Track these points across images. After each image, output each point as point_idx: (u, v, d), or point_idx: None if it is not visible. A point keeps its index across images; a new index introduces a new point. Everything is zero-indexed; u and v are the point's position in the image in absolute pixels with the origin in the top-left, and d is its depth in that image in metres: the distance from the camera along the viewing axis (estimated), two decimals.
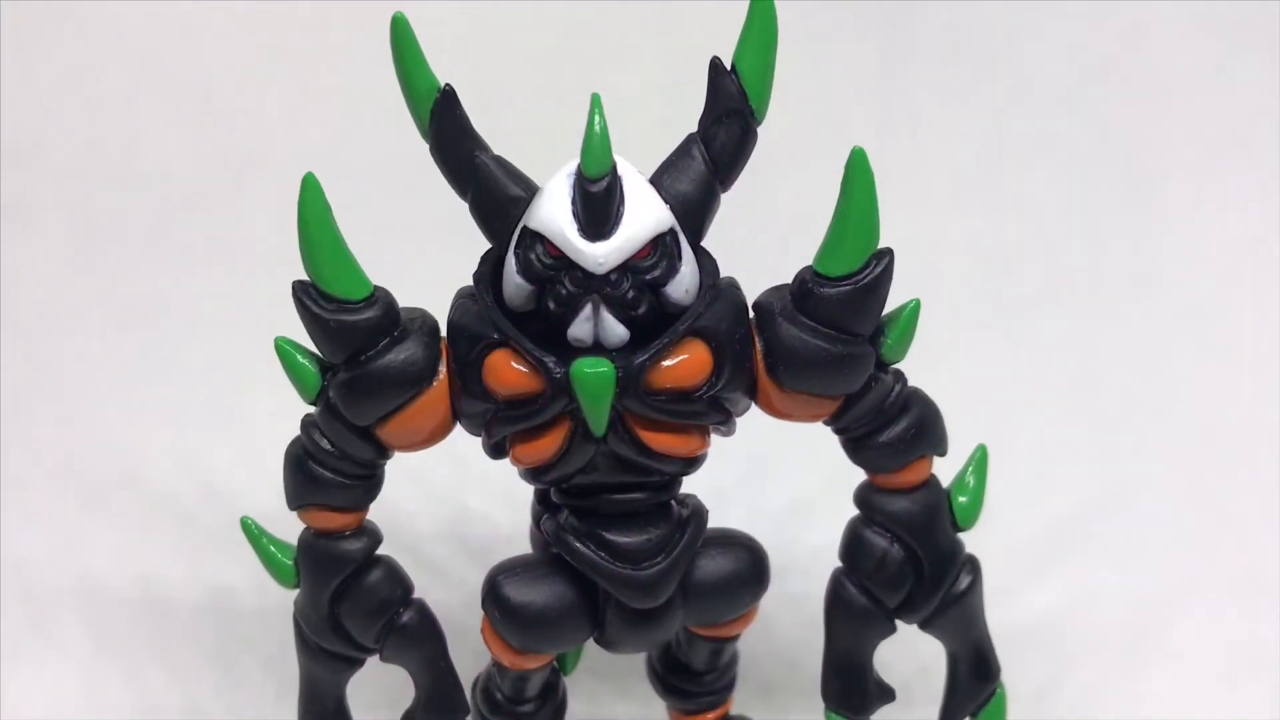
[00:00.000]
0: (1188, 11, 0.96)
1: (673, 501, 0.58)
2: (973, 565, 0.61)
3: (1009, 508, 0.85)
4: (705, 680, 0.65)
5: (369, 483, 0.58)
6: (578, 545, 0.56)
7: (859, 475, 0.61)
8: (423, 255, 0.75)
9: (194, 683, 0.79)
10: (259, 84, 0.92)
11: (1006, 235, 0.96)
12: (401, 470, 0.84)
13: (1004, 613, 0.70)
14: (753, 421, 0.82)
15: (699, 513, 0.58)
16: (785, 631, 0.83)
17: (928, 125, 0.96)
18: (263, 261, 0.88)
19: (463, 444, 0.88)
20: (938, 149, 0.96)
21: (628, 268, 0.52)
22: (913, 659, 0.73)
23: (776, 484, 0.89)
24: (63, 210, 0.92)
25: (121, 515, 0.87)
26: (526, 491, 0.70)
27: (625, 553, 0.56)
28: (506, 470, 0.83)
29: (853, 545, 0.60)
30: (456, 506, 0.89)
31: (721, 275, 0.56)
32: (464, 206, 0.56)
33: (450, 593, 0.78)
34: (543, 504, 0.61)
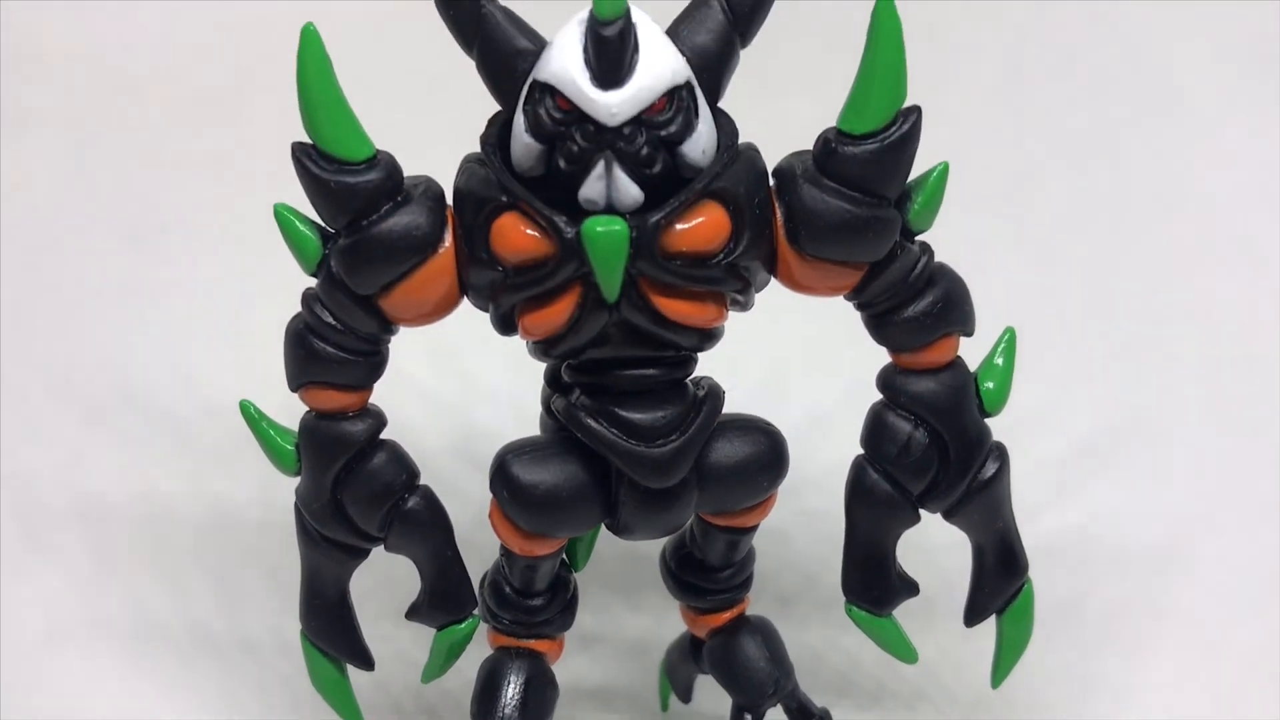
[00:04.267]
0: None
1: (688, 381, 0.56)
2: (1000, 452, 0.59)
3: (1033, 426, 0.83)
4: (720, 577, 0.62)
5: (372, 360, 0.56)
6: (590, 422, 0.54)
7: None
8: (429, 129, 0.72)
9: (195, 599, 0.78)
10: None
11: (1030, 153, 0.94)
12: (410, 386, 0.83)
13: (1029, 530, 0.68)
14: (770, 334, 0.81)
15: (715, 392, 0.56)
16: (802, 546, 0.81)
17: (949, 41, 0.94)
18: (266, 175, 0.85)
19: (471, 359, 0.88)
20: (959, 66, 0.94)
21: (642, 122, 0.50)
22: (936, 571, 0.70)
23: (793, 399, 0.86)
24: (64, 121, 0.90)
25: (122, 432, 0.85)
26: (536, 406, 0.68)
27: (639, 429, 0.54)
28: (515, 385, 0.82)
29: (875, 429, 0.57)
30: (465, 422, 0.87)
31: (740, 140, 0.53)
32: (472, 74, 0.54)
33: (460, 509, 0.76)
34: (553, 385, 0.58)
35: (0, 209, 0.90)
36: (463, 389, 0.87)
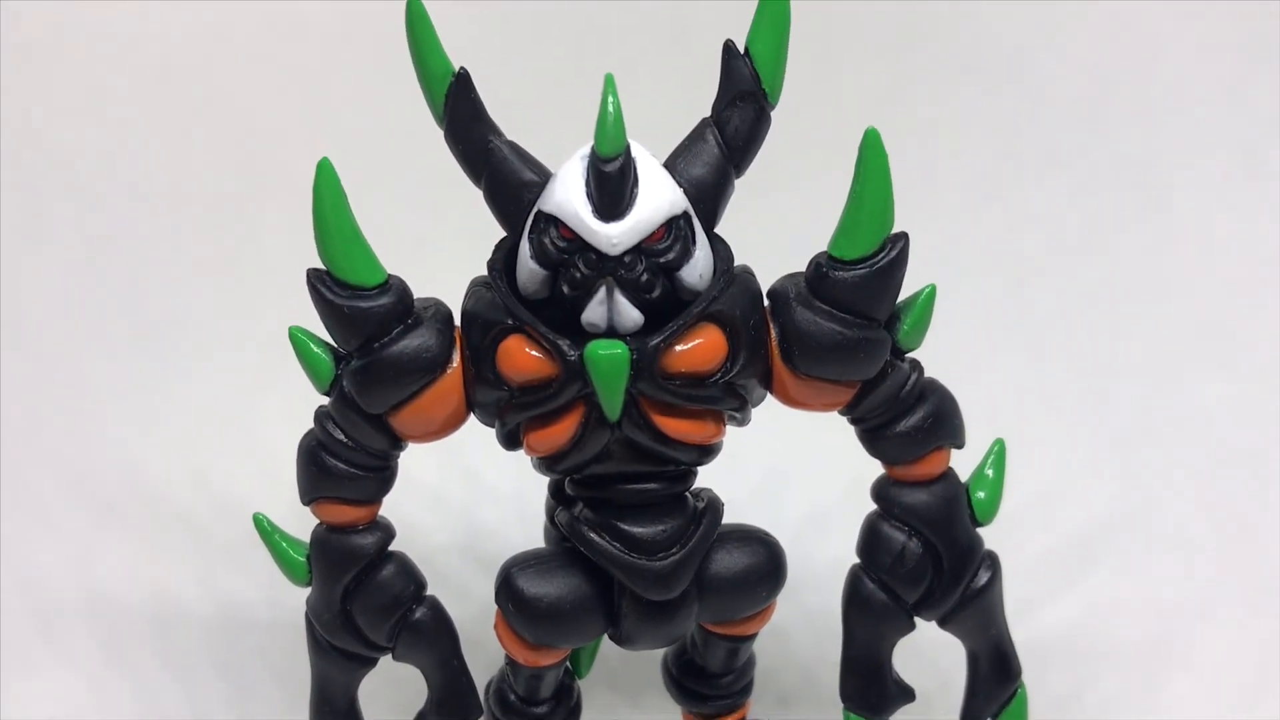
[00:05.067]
0: (1200, 28, 0.96)
1: (688, 493, 0.57)
2: (992, 561, 0.60)
3: (1029, 521, 0.85)
4: (721, 683, 0.64)
5: (382, 475, 0.58)
6: (593, 536, 0.56)
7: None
8: (438, 252, 0.75)
9: (204, 695, 0.79)
10: (272, 99, 0.93)
11: (1021, 250, 0.96)
12: (415, 485, 0.84)
13: (1025, 625, 0.69)
14: (768, 434, 0.82)
15: (714, 505, 0.58)
16: (802, 644, 0.82)
17: (941, 141, 0.96)
18: (275, 276, 0.88)
19: (475, 458, 0.89)
20: (951, 164, 0.97)
21: (642, 250, 0.52)
22: (933, 671, 0.72)
23: (792, 498, 0.88)
24: (76, 224, 0.92)
25: (133, 528, 0.87)
26: (539, 505, 0.70)
27: (641, 543, 0.55)
28: (519, 485, 0.83)
29: (870, 540, 0.59)
30: (469, 521, 0.88)
31: (736, 263, 0.55)
32: (479, 198, 0.56)
33: (464, 607, 0.78)
34: (557, 497, 0.60)
35: (17, 309, 0.92)
36: (467, 488, 0.89)
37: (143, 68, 0.93)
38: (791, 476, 0.89)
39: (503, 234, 0.56)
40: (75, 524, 0.87)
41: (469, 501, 0.89)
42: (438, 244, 0.79)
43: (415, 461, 0.85)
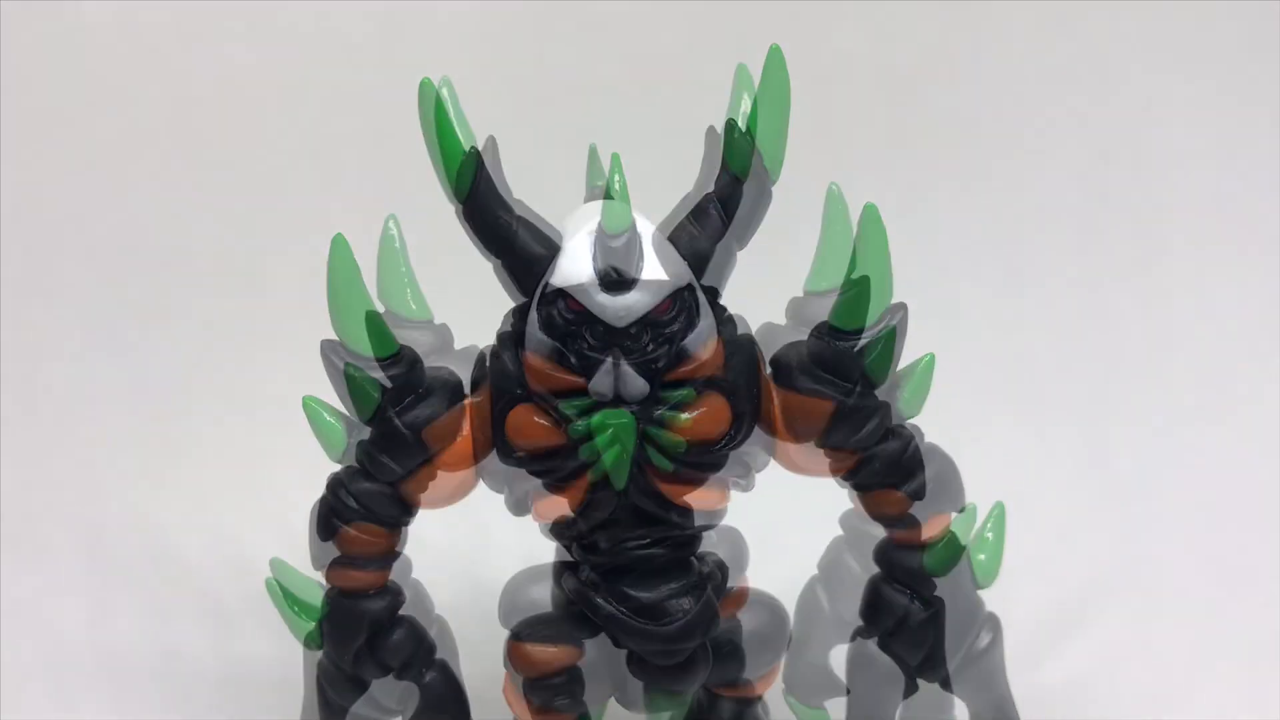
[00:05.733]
0: (1193, 92, 0.98)
1: (693, 558, 0.58)
2: (993, 623, 0.61)
3: (1030, 577, 0.85)
4: None
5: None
6: (599, 601, 0.57)
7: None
8: (449, 321, 0.76)
9: None
10: (286, 162, 0.95)
11: (1019, 311, 0.97)
12: (422, 540, 0.85)
13: (1028, 680, 0.70)
14: (768, 488, 0.83)
15: (720, 569, 0.59)
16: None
17: (940, 206, 0.98)
18: (288, 338, 0.90)
19: (484, 512, 0.90)
20: (950, 228, 0.98)
21: (647, 322, 0.53)
22: None
23: (791, 551, 0.88)
24: (90, 287, 0.94)
25: (146, 588, 0.87)
26: (546, 559, 0.70)
27: (647, 608, 0.57)
28: (526, 540, 0.84)
29: (873, 603, 0.60)
30: (476, 577, 0.89)
31: (739, 331, 0.57)
32: (489, 268, 0.57)
33: (472, 665, 0.78)
34: (564, 562, 0.61)
35: (31, 371, 0.94)
36: (474, 542, 0.90)
37: (157, 131, 0.95)
38: (790, 532, 0.90)
39: (512, 304, 0.57)
40: (87, 583, 0.88)
41: (477, 558, 0.89)
42: (448, 313, 0.80)
43: (424, 517, 0.87)
